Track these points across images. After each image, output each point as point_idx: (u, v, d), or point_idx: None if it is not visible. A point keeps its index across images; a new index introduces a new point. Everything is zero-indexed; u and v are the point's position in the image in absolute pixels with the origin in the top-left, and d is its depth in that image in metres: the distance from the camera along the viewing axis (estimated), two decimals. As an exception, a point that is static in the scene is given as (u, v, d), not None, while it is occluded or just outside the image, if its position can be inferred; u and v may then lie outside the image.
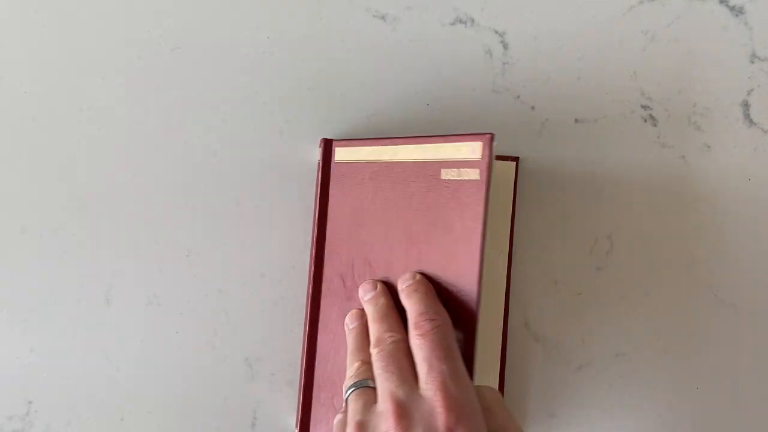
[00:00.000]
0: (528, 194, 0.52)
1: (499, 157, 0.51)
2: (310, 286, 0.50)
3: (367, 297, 0.46)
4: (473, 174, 0.41)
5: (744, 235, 0.53)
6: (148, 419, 0.52)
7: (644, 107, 0.53)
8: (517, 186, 0.51)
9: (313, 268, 0.50)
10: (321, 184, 0.50)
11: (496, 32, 0.53)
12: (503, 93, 0.53)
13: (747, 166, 0.53)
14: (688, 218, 0.53)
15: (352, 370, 0.43)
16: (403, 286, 0.44)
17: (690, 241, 0.53)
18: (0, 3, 0.52)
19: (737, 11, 0.53)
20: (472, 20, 0.53)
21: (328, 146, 0.50)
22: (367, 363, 0.43)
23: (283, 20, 0.52)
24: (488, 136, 0.41)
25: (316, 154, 0.52)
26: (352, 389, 0.42)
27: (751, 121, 0.53)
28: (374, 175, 0.48)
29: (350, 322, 0.47)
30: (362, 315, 0.46)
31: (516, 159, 0.51)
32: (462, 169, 0.42)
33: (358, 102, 0.52)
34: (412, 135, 0.48)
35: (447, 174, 0.43)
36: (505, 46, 0.53)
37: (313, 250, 0.50)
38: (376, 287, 0.46)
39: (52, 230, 0.52)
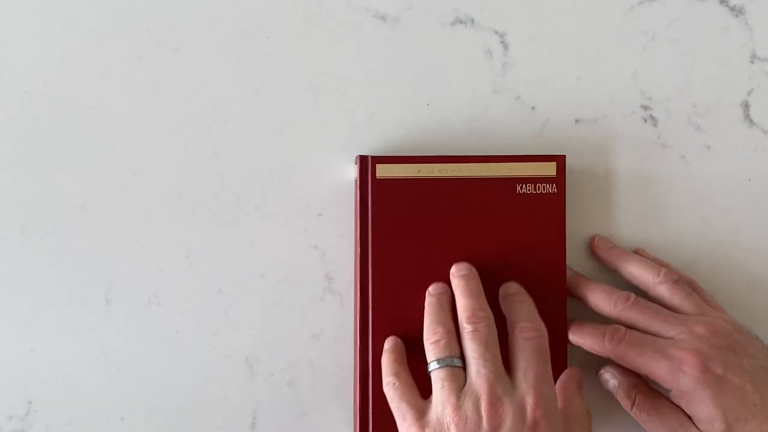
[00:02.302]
0: (528, 194, 0.53)
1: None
2: (357, 311, 0.50)
3: (461, 273, 0.48)
4: (550, 188, 0.50)
5: (744, 235, 0.53)
6: (148, 419, 0.52)
7: (644, 107, 0.53)
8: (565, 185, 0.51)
9: (359, 290, 0.50)
10: (360, 199, 0.50)
11: (496, 32, 0.53)
12: (503, 93, 0.53)
13: (747, 166, 0.53)
14: (688, 218, 0.53)
15: (434, 336, 0.46)
16: (506, 294, 0.48)
17: (690, 241, 0.53)
18: (0, 3, 0.52)
19: (737, 11, 0.53)
20: (472, 20, 0.53)
21: (364, 163, 0.50)
22: (450, 332, 0.46)
23: (283, 20, 0.52)
24: (562, 156, 0.50)
25: (353, 171, 0.51)
26: (438, 365, 0.45)
27: (751, 121, 0.53)
28: (429, 190, 0.49)
29: (433, 290, 0.48)
30: (447, 288, 0.48)
31: (560, 158, 0.51)
32: (539, 185, 0.50)
33: (358, 102, 0.52)
34: (471, 154, 0.51)
35: (522, 189, 0.50)
36: (505, 46, 0.53)
37: (357, 271, 0.50)
38: (470, 269, 0.48)
39: (52, 230, 0.52)
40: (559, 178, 0.50)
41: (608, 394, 0.51)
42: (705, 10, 0.53)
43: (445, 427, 0.43)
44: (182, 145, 0.52)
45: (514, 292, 0.48)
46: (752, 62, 0.53)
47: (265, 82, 0.52)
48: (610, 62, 0.53)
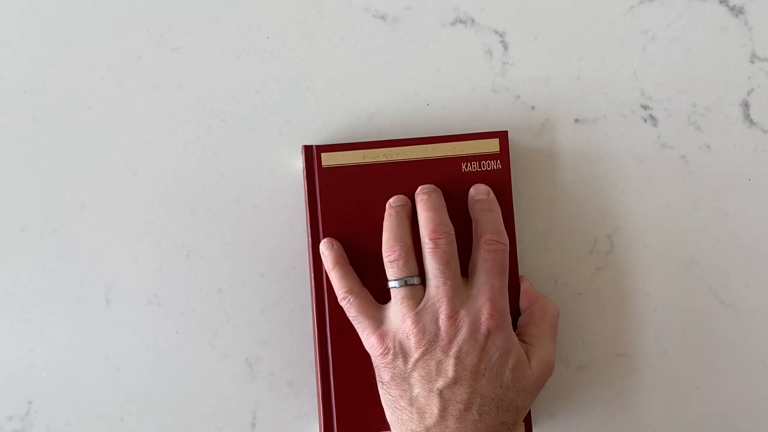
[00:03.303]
0: (528, 194, 0.52)
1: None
2: (313, 291, 0.50)
3: (425, 190, 0.49)
4: (495, 165, 0.50)
5: (744, 235, 0.53)
6: (148, 419, 0.52)
7: (644, 107, 0.53)
8: (511, 168, 0.51)
9: (312, 274, 0.50)
10: (308, 189, 0.50)
11: (496, 32, 0.53)
12: (503, 93, 0.53)
13: (747, 166, 0.53)
14: (688, 218, 0.53)
15: (392, 255, 0.47)
16: (476, 198, 0.49)
17: (690, 241, 0.53)
18: (0, 3, 0.52)
19: (737, 11, 0.53)
20: (472, 20, 0.53)
21: (309, 152, 0.50)
22: (408, 250, 0.48)
23: (283, 20, 0.52)
24: (504, 132, 0.51)
25: (300, 162, 0.51)
26: (398, 285, 0.47)
27: (751, 121, 0.53)
28: (376, 175, 0.49)
29: (394, 202, 0.49)
30: (408, 200, 0.49)
31: (503, 134, 0.51)
32: (483, 162, 0.50)
33: (358, 102, 0.52)
34: (405, 137, 0.51)
35: (468, 167, 0.50)
36: (505, 46, 0.53)
37: (311, 258, 0.50)
38: (435, 188, 0.49)
39: (52, 230, 0.52)
40: (503, 154, 0.50)
41: (608, 391, 0.51)
42: (705, 10, 0.53)
43: (405, 336, 0.46)
44: (182, 145, 0.52)
45: (483, 198, 0.49)
46: (752, 62, 0.53)
47: (265, 82, 0.52)
48: (610, 62, 0.53)
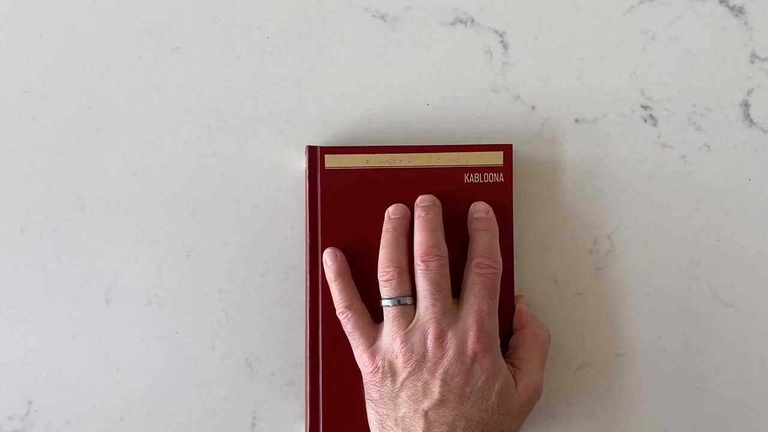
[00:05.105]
0: (528, 194, 0.52)
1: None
2: (307, 293, 0.50)
3: (423, 204, 0.49)
4: (497, 177, 0.50)
5: (744, 235, 0.53)
6: (148, 419, 0.52)
7: (644, 107, 0.53)
8: (513, 178, 0.51)
9: (309, 274, 0.50)
10: (309, 190, 0.50)
11: (496, 32, 0.53)
12: (503, 93, 0.53)
13: (747, 166, 0.53)
14: (688, 218, 0.53)
15: (386, 275, 0.48)
16: (474, 215, 0.49)
17: (690, 241, 0.53)
18: (0, 3, 0.52)
19: (737, 11, 0.53)
20: (472, 20, 0.53)
21: (313, 153, 0.50)
22: (401, 271, 0.48)
23: (283, 20, 0.52)
24: (509, 146, 0.51)
25: (303, 162, 0.51)
26: (390, 304, 0.48)
27: (751, 121, 0.53)
28: (378, 180, 0.50)
29: (393, 213, 0.49)
30: (407, 211, 0.49)
31: (508, 147, 0.51)
32: (486, 174, 0.50)
33: (358, 102, 0.52)
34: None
35: (470, 178, 0.50)
36: (505, 46, 0.53)
37: (308, 258, 0.50)
38: (434, 201, 0.49)
39: (52, 230, 0.52)
40: (506, 168, 0.50)
41: (608, 391, 0.51)
42: (705, 10, 0.53)
43: (394, 356, 0.46)
44: (182, 145, 0.52)
45: (481, 217, 0.49)
46: (752, 62, 0.53)
47: (265, 82, 0.52)
48: (610, 62, 0.53)
